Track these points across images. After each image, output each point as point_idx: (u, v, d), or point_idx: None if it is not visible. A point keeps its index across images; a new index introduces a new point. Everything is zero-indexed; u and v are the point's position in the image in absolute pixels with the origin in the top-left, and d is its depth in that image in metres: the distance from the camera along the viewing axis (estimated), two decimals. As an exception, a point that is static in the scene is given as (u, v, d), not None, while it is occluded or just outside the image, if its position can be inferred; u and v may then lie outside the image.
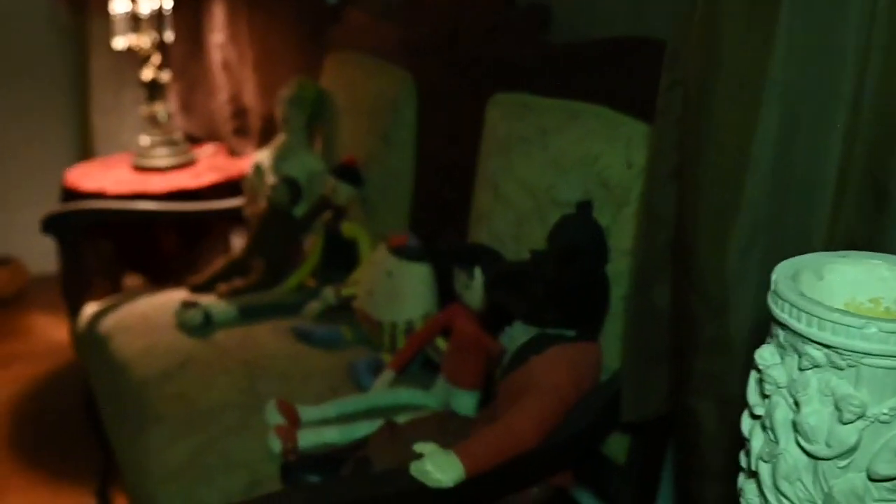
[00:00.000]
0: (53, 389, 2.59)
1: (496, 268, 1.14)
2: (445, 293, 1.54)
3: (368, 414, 1.37)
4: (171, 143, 2.35)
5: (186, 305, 1.66)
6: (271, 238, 1.83)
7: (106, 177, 2.23)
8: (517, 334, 1.14)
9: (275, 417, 1.29)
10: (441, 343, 1.49)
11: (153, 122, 2.34)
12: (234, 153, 2.43)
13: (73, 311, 1.93)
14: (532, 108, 1.34)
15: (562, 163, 1.25)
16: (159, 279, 2.09)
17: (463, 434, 1.15)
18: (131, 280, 2.38)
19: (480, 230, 1.42)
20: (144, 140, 2.35)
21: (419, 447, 0.95)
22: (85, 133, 3.07)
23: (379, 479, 0.94)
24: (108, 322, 1.78)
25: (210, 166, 2.33)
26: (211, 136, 2.55)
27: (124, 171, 2.30)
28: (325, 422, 1.33)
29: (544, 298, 1.09)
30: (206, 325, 1.64)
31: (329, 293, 1.68)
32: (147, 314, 1.74)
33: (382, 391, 1.40)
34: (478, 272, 1.29)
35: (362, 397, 1.38)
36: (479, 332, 1.33)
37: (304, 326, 1.62)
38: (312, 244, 1.84)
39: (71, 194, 2.18)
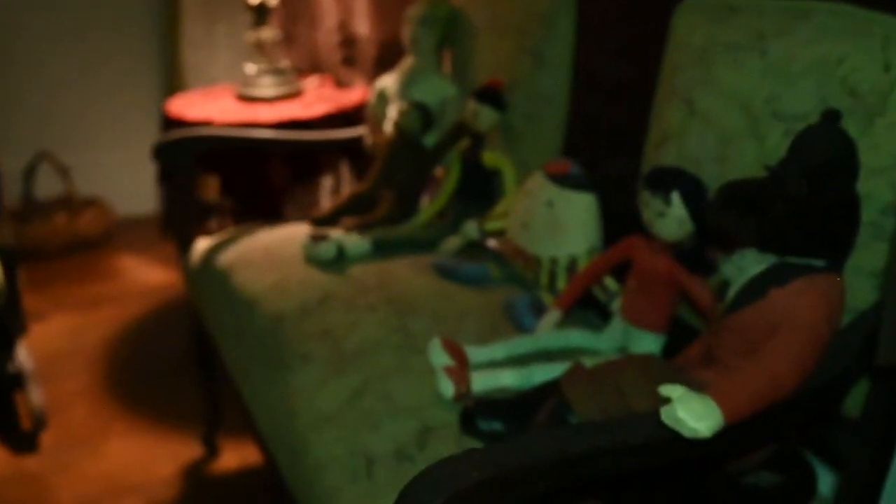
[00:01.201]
0: (148, 332, 2.49)
1: (726, 186, 0.96)
2: (608, 227, 1.37)
3: (538, 358, 1.21)
4: (277, 72, 2.20)
5: (316, 238, 1.52)
6: (400, 168, 1.68)
7: (211, 106, 2.09)
8: (748, 264, 0.97)
9: (441, 358, 1.14)
10: (610, 282, 1.33)
11: (259, 49, 2.19)
12: (341, 84, 2.27)
13: (183, 246, 1.80)
14: (741, 10, 1.15)
15: (787, 70, 1.06)
16: (267, 217, 1.95)
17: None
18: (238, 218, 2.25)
19: (665, 154, 1.24)
20: (250, 68, 2.20)
21: (666, 390, 0.79)
22: (175, 70, 2.94)
23: (621, 427, 0.79)
24: (226, 257, 1.64)
25: (319, 97, 2.18)
26: (314, 68, 2.40)
27: (229, 102, 2.16)
28: (494, 365, 1.18)
29: (788, 221, 0.91)
30: (338, 260, 1.50)
31: (471, 227, 1.53)
32: (270, 248, 1.60)
33: (552, 332, 1.24)
34: (676, 197, 1.12)
35: (531, 339, 1.22)
36: (672, 267, 1.17)
37: (447, 262, 1.46)
38: (446, 175, 1.68)
39: (174, 124, 2.05)
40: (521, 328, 1.29)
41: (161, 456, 1.94)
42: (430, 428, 1.06)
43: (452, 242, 1.57)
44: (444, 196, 1.68)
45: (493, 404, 1.05)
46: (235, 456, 1.95)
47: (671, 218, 1.13)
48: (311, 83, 2.29)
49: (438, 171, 1.78)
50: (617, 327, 1.25)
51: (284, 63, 2.24)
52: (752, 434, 0.84)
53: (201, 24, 2.84)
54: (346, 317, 1.31)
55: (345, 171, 2.16)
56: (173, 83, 2.87)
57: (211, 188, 2.10)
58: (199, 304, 1.71)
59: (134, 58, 3.10)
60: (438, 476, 0.70)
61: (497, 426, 1.02)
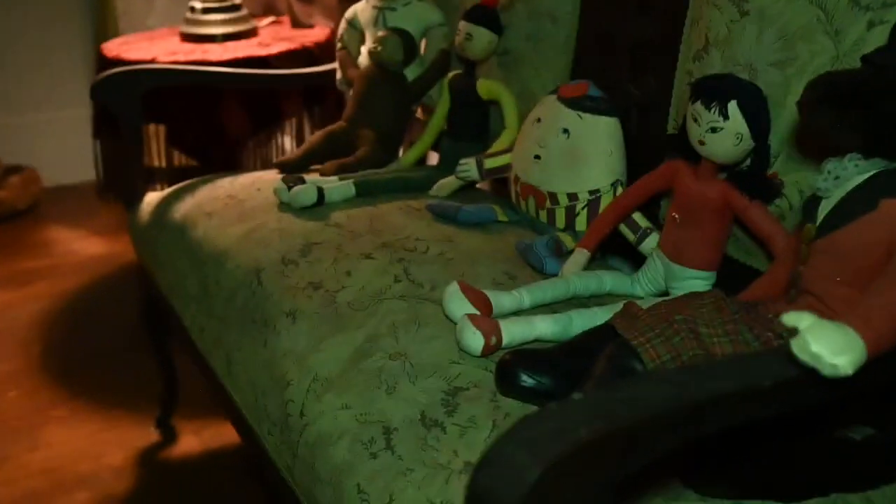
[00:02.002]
0: (86, 308, 2.25)
1: (821, 79, 0.79)
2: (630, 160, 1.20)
3: (568, 305, 1.03)
4: (226, 8, 1.96)
5: (290, 183, 1.31)
6: (380, 105, 1.47)
7: (154, 47, 1.85)
8: (847, 174, 0.80)
9: (462, 305, 0.95)
10: (640, 218, 1.15)
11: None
12: (298, 24, 2.05)
13: (130, 202, 1.57)
14: None
15: (870, -54, 0.89)
16: (221, 170, 1.73)
17: (756, 320, 0.82)
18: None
19: (708, 65, 1.07)
20: (196, 3, 1.96)
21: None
22: (106, 19, 2.66)
23: (744, 368, 0.61)
24: (183, 209, 1.42)
25: (275, 36, 1.95)
26: (267, 10, 2.16)
27: (174, 43, 1.92)
28: (521, 314, 1.00)
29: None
30: (318, 205, 1.29)
31: (469, 166, 1.33)
32: (235, 197, 1.39)
33: (583, 275, 1.06)
34: (734, 108, 0.95)
35: (561, 283, 1.04)
36: (727, 192, 0.99)
37: (445, 204, 1.27)
38: (434, 111, 1.48)
39: (112, 66, 1.80)
40: (543, 273, 1.11)
41: (111, 443, 1.71)
42: (458, 388, 0.88)
43: (446, 184, 1.38)
44: (432, 133, 1.49)
45: (535, 356, 0.86)
46: (196, 439, 1.73)
47: (727, 133, 0.96)
48: (265, 23, 2.06)
49: (419, 112, 1.59)
50: (655, 268, 1.07)
51: None
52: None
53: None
54: (338, 266, 1.11)
55: (308, 120, 1.94)
56: (105, 35, 2.59)
57: (155, 144, 1.86)
58: (151, 266, 1.49)
59: (60, 10, 2.82)
60: (535, 435, 0.51)
61: (545, 381, 0.84)
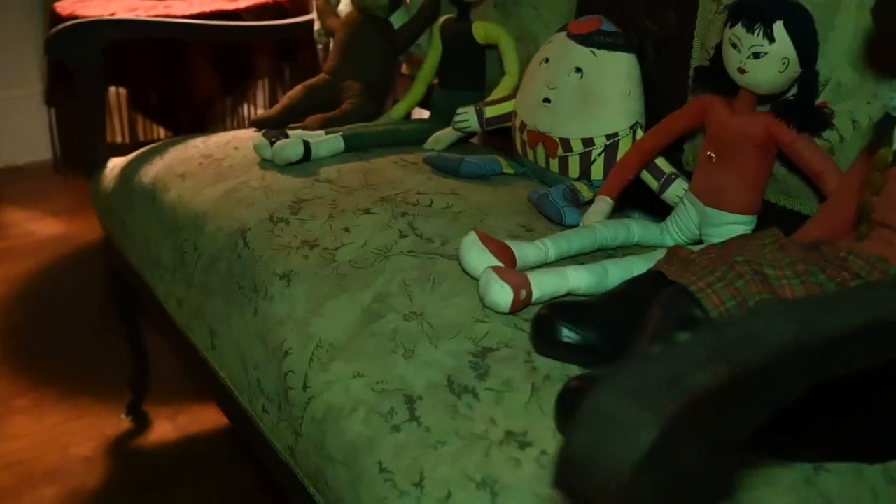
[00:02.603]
0: (45, 291, 2.10)
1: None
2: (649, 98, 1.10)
3: (594, 257, 0.93)
4: (190, -38, 1.82)
5: (271, 137, 1.18)
6: (365, 54, 1.35)
7: (111, 5, 1.70)
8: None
9: (483, 257, 0.84)
10: (662, 163, 1.05)
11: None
12: (267, -21, 1.91)
13: (91, 168, 1.43)
14: None
15: None
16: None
17: (822, 258, 0.72)
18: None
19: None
20: (156, -42, 1.81)
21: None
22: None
23: (871, 299, 0.50)
24: (152, 172, 1.29)
25: (244, -9, 1.82)
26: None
27: (133, 0, 1.78)
28: (547, 266, 0.89)
29: None
30: (303, 161, 1.17)
31: (468, 115, 1.22)
32: (210, 156, 1.26)
33: (609, 224, 0.96)
34: (780, 29, 0.85)
35: (586, 232, 0.93)
36: (772, 125, 0.90)
37: (445, 156, 1.15)
38: (424, 60, 1.36)
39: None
40: (562, 224, 1.00)
41: (78, 433, 1.58)
42: (487, 349, 0.77)
43: (443, 136, 1.27)
44: (422, 83, 1.37)
45: (576, 308, 0.75)
46: (170, 425, 1.61)
47: (772, 58, 0.86)
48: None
49: (403, 66, 1.47)
50: (687, 215, 0.97)
51: (197, -47, 1.86)
52: None
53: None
54: (334, 223, 0.99)
55: (281, 79, 1.80)
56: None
57: (117, 116, 1.72)
58: (118, 238, 1.36)
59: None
60: (643, 384, 0.40)
61: (589, 336, 0.73)
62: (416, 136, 1.27)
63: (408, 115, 1.40)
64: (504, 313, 0.80)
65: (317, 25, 1.51)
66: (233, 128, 1.73)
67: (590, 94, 1.07)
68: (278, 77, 1.77)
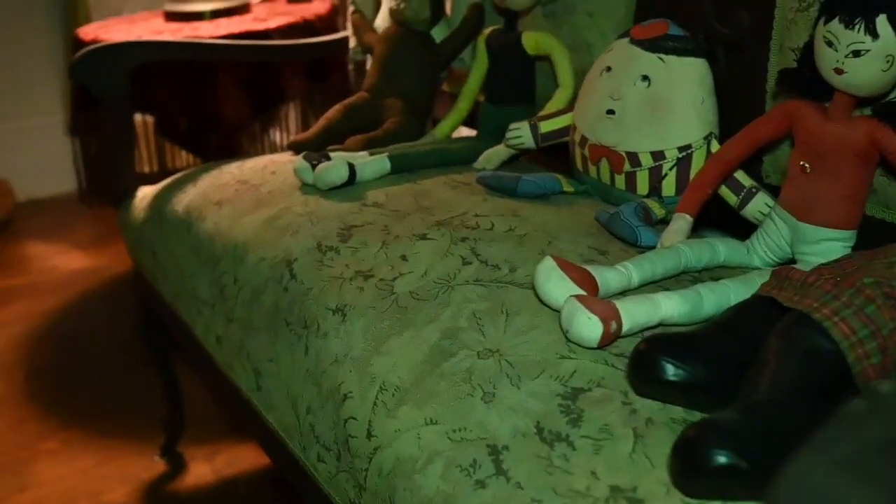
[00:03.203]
0: (72, 327, 2.03)
1: None
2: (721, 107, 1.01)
3: (678, 282, 0.84)
4: (215, -18, 1.76)
5: (313, 160, 1.11)
6: (406, 70, 1.28)
7: (137, 28, 1.64)
8: None
9: (563, 285, 0.75)
10: (742, 177, 0.97)
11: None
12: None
13: (119, 198, 1.36)
14: None
15: None
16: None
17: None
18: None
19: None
20: (181, -21, 1.75)
21: None
22: (75, 17, 2.44)
23: None
24: (186, 200, 1.22)
25: (271, 11, 1.75)
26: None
27: (158, 23, 1.71)
28: (631, 292, 0.81)
29: None
30: (346, 185, 1.09)
31: (521, 132, 1.14)
32: (246, 182, 1.19)
33: (693, 245, 0.87)
34: (884, 24, 0.76)
35: (669, 255, 0.85)
36: (876, 130, 0.81)
37: (500, 175, 1.07)
38: (468, 75, 1.29)
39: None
40: (637, 245, 0.92)
41: (110, 477, 1.50)
42: (578, 390, 0.68)
43: (494, 154, 1.18)
44: (468, 99, 1.29)
45: (679, 341, 0.67)
46: (207, 467, 1.52)
47: (875, 55, 0.77)
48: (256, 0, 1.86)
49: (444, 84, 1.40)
50: (776, 231, 0.88)
51: (223, -26, 1.80)
52: None
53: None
54: (389, 251, 0.91)
55: (311, 101, 1.73)
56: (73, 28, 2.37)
57: (144, 144, 1.65)
58: (150, 271, 1.28)
59: (24, 10, 2.60)
60: (853, 450, 0.31)
61: (697, 372, 0.64)
62: (465, 155, 1.19)
63: (451, 134, 1.32)
64: (592, 348, 0.71)
65: (352, 42, 1.44)
66: (263, 153, 1.66)
67: (659, 104, 0.99)
68: (309, 99, 1.69)
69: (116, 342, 1.90)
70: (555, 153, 1.20)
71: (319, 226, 0.99)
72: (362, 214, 1.01)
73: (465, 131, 1.38)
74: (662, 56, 1.00)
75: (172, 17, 1.74)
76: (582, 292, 0.75)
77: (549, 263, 0.77)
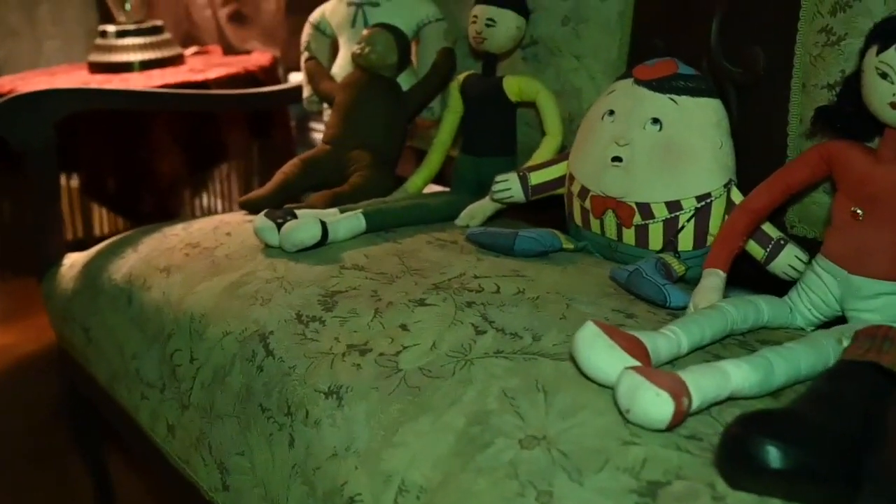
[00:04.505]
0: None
1: None
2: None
3: (725, 345, 0.73)
4: (147, 31, 1.61)
5: (276, 218, 0.97)
6: (373, 119, 1.16)
7: (57, 81, 1.48)
8: None
9: (613, 355, 0.64)
10: (769, 229, 0.88)
11: (118, 7, 1.59)
12: (231, 51, 1.71)
13: (43, 266, 1.19)
14: None
15: None
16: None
17: None
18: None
19: (864, 9, 0.81)
20: (107, 27, 1.60)
21: None
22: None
23: None
24: (123, 269, 1.06)
25: (208, 63, 1.61)
26: (188, 38, 1.82)
27: (82, 75, 1.55)
28: (680, 360, 0.69)
29: None
30: (317, 246, 0.96)
31: (511, 184, 1.03)
32: (197, 245, 1.04)
33: (737, 305, 0.76)
34: (951, 51, 0.68)
35: (715, 316, 0.74)
36: (940, 170, 0.72)
37: (493, 232, 0.96)
38: (442, 122, 1.18)
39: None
40: (667, 306, 0.81)
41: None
42: (655, 484, 0.55)
43: (478, 209, 1.07)
44: (439, 151, 1.18)
45: (780, 420, 0.55)
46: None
47: (939, 87, 0.69)
48: (189, 52, 1.72)
49: (420, 125, 1.28)
50: (821, 286, 0.78)
51: (153, 23, 1.65)
52: None
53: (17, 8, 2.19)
54: (385, 320, 0.78)
55: (254, 158, 1.59)
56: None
57: (67, 208, 1.48)
58: (79, 349, 1.11)
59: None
60: None
61: (807, 458, 0.53)
62: (444, 211, 1.07)
63: (423, 189, 1.20)
64: (659, 430, 0.59)
65: (306, 92, 1.31)
66: (201, 216, 1.50)
67: (673, 149, 0.89)
68: (250, 156, 1.56)
69: (25, 430, 1.69)
70: (539, 208, 1.10)
71: (295, 293, 0.85)
72: (343, 279, 0.87)
73: (434, 187, 1.27)
74: (674, 97, 0.91)
75: (98, 68, 1.58)
76: (635, 363, 0.64)
77: (591, 329, 0.65)
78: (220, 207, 1.64)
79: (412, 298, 0.81)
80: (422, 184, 1.17)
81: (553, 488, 0.56)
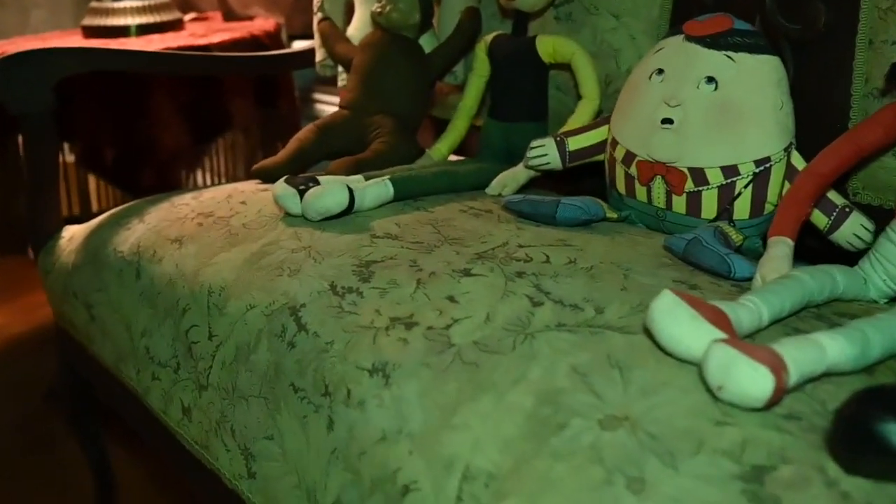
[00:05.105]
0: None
1: None
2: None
3: (801, 317, 0.67)
4: (143, -6, 1.52)
5: (298, 184, 0.90)
6: (396, 82, 1.09)
7: (51, 45, 1.39)
8: None
9: (699, 327, 0.57)
10: (834, 196, 0.81)
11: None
12: (232, 17, 1.63)
13: (40, 238, 1.11)
14: None
15: None
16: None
17: None
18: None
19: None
20: (102, -9, 1.51)
21: None
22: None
23: None
24: (131, 241, 0.99)
25: (209, 28, 1.53)
26: (185, 8, 1.74)
27: (76, 40, 1.47)
28: (762, 331, 0.63)
29: None
30: (343, 214, 0.89)
31: (547, 150, 0.96)
32: (211, 215, 0.97)
33: (814, 275, 0.70)
34: None
35: (793, 286, 0.67)
36: None
37: (533, 199, 0.89)
38: (466, 87, 1.11)
39: None
40: (731, 277, 0.75)
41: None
42: (760, 469, 0.49)
43: (510, 177, 1.00)
44: (465, 117, 1.12)
45: (893, 398, 0.49)
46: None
47: None
48: (187, 18, 1.64)
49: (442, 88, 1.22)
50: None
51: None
52: None
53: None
54: (430, 291, 0.71)
55: (257, 128, 1.51)
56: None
57: (62, 183, 1.40)
58: (81, 327, 1.04)
59: None
60: None
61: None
62: (474, 179, 1.01)
63: (448, 156, 1.13)
64: (755, 409, 0.53)
65: (319, 55, 1.24)
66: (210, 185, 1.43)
67: (730, 109, 0.83)
68: (255, 127, 1.48)
69: (18, 415, 1.61)
70: (570, 178, 1.03)
71: (326, 263, 0.78)
72: (377, 248, 0.80)
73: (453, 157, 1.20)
74: (731, 54, 0.84)
75: (92, 32, 1.50)
76: (722, 335, 0.57)
77: (670, 298, 0.59)
78: (223, 181, 1.56)
79: (456, 269, 0.74)
80: (446, 151, 1.10)
81: (644, 474, 0.50)
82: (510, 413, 0.57)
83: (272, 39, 1.51)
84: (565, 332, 0.63)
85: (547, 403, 0.57)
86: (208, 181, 1.51)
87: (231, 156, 1.46)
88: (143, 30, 1.49)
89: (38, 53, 1.01)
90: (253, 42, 1.44)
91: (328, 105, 1.63)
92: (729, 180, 0.84)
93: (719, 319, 0.59)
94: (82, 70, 1.05)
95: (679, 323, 0.58)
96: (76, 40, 1.49)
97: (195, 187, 1.43)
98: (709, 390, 0.55)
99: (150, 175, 1.35)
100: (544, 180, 1.03)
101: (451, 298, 0.70)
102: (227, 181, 1.55)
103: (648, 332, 0.61)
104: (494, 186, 1.00)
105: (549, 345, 0.62)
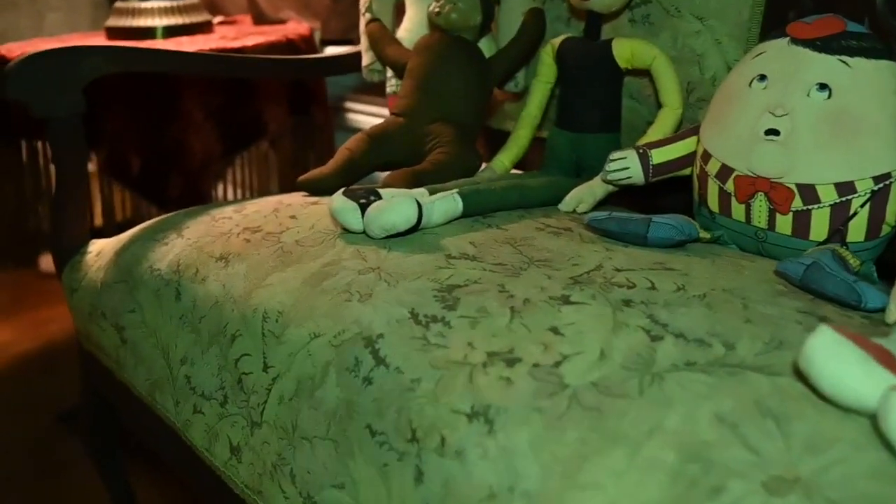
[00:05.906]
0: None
1: None
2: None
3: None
4: (172, -6, 1.44)
5: (360, 197, 0.81)
6: (456, 87, 1.01)
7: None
8: None
9: (869, 371, 0.49)
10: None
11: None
12: (264, 20, 1.55)
13: (65, 255, 1.03)
14: None
15: None
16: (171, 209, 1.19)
17: None
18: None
19: None
20: (126, -8, 1.43)
21: None
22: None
23: None
24: (167, 258, 0.90)
25: (240, 31, 1.45)
26: (211, 9, 1.65)
27: (100, 41, 1.39)
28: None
29: None
30: (410, 231, 0.81)
31: (629, 162, 0.88)
32: (258, 230, 0.88)
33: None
34: None
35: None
36: None
37: (620, 218, 0.81)
38: (530, 94, 1.02)
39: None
40: (861, 308, 0.66)
41: None
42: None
43: (587, 192, 0.92)
44: (528, 126, 1.03)
45: None
46: None
47: None
48: (215, 21, 1.55)
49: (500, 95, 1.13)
50: None
51: (180, -14, 1.49)
52: None
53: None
54: (527, 320, 0.62)
55: (291, 137, 1.42)
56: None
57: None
58: (110, 351, 0.95)
59: None
60: None
61: None
62: (545, 194, 0.92)
63: (511, 169, 1.05)
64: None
65: (367, 59, 1.15)
66: (235, 200, 1.34)
67: (845, 120, 0.75)
68: (288, 135, 1.39)
69: (29, 438, 1.52)
70: (648, 194, 0.95)
71: (401, 287, 0.70)
72: (457, 270, 0.72)
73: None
74: (846, 58, 0.76)
75: (117, 33, 1.42)
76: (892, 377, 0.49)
77: (830, 336, 0.50)
78: (254, 194, 1.48)
79: (552, 295, 0.66)
80: (509, 164, 1.02)
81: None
82: (651, 471, 0.48)
83: (307, 44, 1.43)
84: (698, 372, 0.55)
85: (694, 460, 0.48)
86: (238, 194, 1.42)
87: (264, 166, 1.38)
88: (171, 31, 1.41)
89: (68, 52, 0.93)
90: (289, 46, 1.36)
91: (360, 115, 1.55)
92: (844, 198, 0.75)
93: (889, 360, 0.50)
94: (116, 71, 0.96)
95: (846, 365, 0.49)
96: (99, 42, 1.41)
97: (225, 199, 1.35)
98: (889, 447, 0.46)
99: (177, 185, 1.26)
100: (619, 196, 0.95)
101: (555, 330, 0.61)
102: (258, 193, 1.46)
103: (799, 375, 0.53)
104: (569, 202, 0.91)
105: (682, 388, 0.53)
